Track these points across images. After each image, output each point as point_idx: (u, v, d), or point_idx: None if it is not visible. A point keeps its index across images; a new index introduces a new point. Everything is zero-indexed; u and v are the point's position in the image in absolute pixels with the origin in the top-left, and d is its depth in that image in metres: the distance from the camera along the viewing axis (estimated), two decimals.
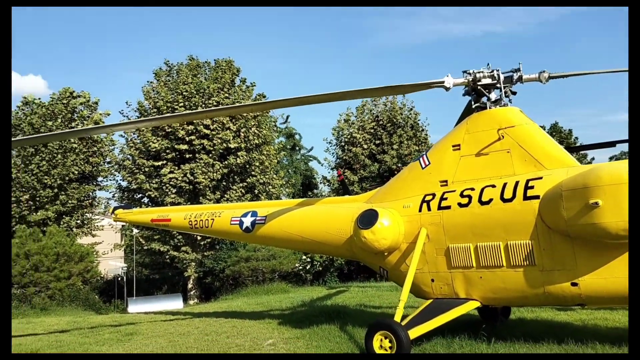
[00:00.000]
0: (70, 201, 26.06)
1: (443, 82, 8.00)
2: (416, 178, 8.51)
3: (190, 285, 25.35)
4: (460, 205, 7.65)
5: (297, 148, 44.38)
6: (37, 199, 25.45)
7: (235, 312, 13.67)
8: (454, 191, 7.86)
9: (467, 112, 8.92)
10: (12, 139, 17.37)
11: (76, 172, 26.36)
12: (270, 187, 26.49)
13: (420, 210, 8.08)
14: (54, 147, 25.84)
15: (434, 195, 8.06)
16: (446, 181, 8.08)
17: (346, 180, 26.64)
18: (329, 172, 33.11)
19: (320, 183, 35.86)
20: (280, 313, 12.82)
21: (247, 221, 10.67)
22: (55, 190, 25.67)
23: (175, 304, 19.48)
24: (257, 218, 10.56)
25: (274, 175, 27.26)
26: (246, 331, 10.15)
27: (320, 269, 26.50)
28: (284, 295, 18.12)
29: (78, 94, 28.62)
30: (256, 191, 25.86)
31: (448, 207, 7.77)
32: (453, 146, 8.25)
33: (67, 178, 25.98)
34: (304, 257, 25.79)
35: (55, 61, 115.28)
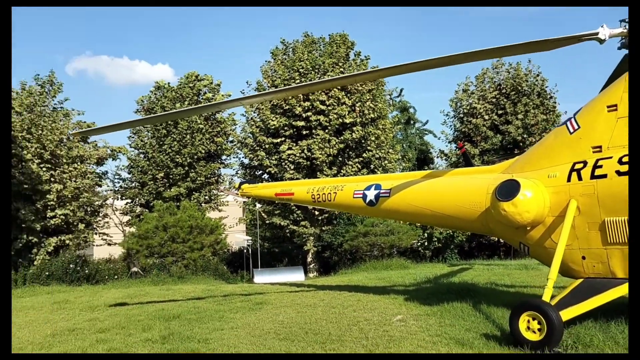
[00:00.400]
0: (199, 178, 27.86)
1: (597, 33, 7.00)
2: (563, 145, 7.62)
3: (309, 259, 25.98)
4: (619, 173, 6.70)
5: (411, 122, 43.24)
6: (171, 176, 27.55)
7: (358, 286, 13.62)
8: (610, 158, 6.90)
9: (624, 67, 7.76)
10: (141, 118, 18.61)
11: (203, 151, 28.05)
12: (386, 162, 26.06)
13: (568, 180, 7.23)
14: (183, 129, 27.69)
15: (585, 163, 7.16)
16: (600, 147, 7.12)
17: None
18: (446, 146, 31.83)
19: (437, 157, 34.65)
20: (405, 289, 12.51)
21: (371, 194, 10.42)
22: (186, 168, 27.57)
23: (297, 276, 20.04)
24: (381, 191, 10.27)
25: (390, 150, 26.75)
26: (372, 305, 9.99)
27: (440, 245, 25.73)
28: (404, 271, 17.78)
29: (202, 77, 30.31)
30: (372, 166, 25.60)
31: (603, 176, 6.86)
32: (608, 107, 7.25)
33: (195, 157, 27.76)
34: (423, 233, 25.17)
35: (179, 50, 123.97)
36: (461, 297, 9.66)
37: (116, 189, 28.62)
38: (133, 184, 28.90)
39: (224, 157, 30.26)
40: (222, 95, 30.01)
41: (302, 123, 24.58)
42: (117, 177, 29.10)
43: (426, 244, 25.48)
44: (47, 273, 19.42)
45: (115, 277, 20.21)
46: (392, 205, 10.01)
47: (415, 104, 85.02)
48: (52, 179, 23.63)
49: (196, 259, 18.51)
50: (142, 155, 28.55)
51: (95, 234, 25.90)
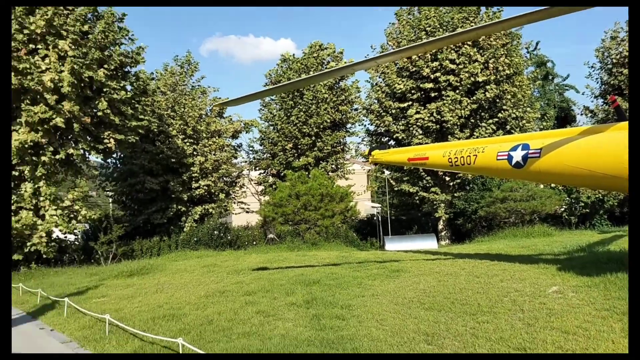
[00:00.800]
0: (325, 147, 28.23)
1: None
2: None
3: (440, 227, 25.17)
4: None
5: (550, 77, 39.41)
6: (299, 146, 28.25)
7: (500, 254, 12.76)
8: None
9: None
10: (273, 87, 18.63)
11: (329, 121, 28.26)
12: (524, 122, 24.02)
13: None
14: (308, 99, 28.09)
15: None
16: None
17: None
18: (591, 102, 28.59)
19: (580, 114, 31.22)
20: (554, 258, 11.42)
21: (517, 155, 9.51)
22: (313, 138, 28.06)
23: (429, 243, 19.50)
24: (530, 151, 9.31)
25: (528, 109, 24.58)
26: (520, 276, 9.22)
27: (587, 211, 23.36)
28: (549, 239, 16.37)
29: (325, 46, 30.35)
30: (508, 127, 23.78)
31: None
32: None
33: (321, 126, 28.09)
34: (568, 197, 23.03)
35: (300, 25, 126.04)
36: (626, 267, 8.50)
37: (250, 160, 30.08)
38: (265, 155, 30.19)
39: (348, 125, 30.27)
40: (345, 62, 29.81)
41: (430, 85, 23.50)
42: (250, 149, 30.62)
43: (573, 209, 23.27)
44: (195, 239, 21.11)
45: (254, 242, 21.37)
46: (543, 167, 9.04)
47: (553, 58, 77.49)
48: (194, 152, 25.52)
49: (328, 226, 18.82)
50: (271, 128, 29.61)
51: (234, 202, 27.63)
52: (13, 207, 17.09)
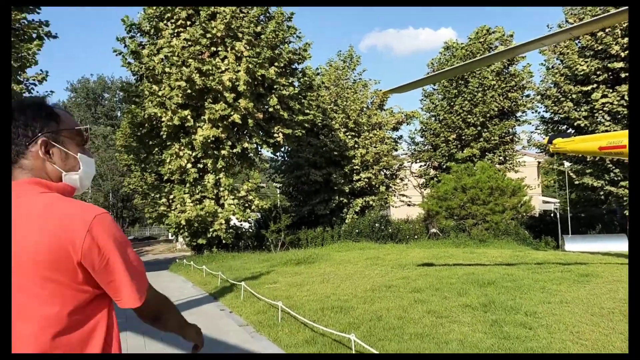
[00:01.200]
0: (492, 138, 26.43)
1: None
2: None
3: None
4: None
5: None
6: (463, 137, 26.88)
7: None
8: None
9: None
10: (440, 71, 17.79)
11: (496, 109, 26.38)
12: None
13: None
14: (474, 87, 26.53)
15: None
16: None
17: None
18: None
19: None
20: None
21: None
22: (478, 128, 26.46)
23: (619, 245, 16.96)
24: None
25: None
26: None
27: None
28: None
29: (493, 30, 28.36)
30: None
31: None
32: None
33: (488, 115, 26.35)
34: None
35: (461, 13, 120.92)
36: None
37: (411, 152, 29.51)
38: (426, 147, 29.37)
39: (519, 113, 27.93)
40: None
41: (620, 64, 20.43)
42: (411, 141, 30.03)
43: None
44: (356, 230, 21.34)
45: (415, 237, 20.86)
46: None
47: None
48: (355, 145, 25.84)
49: (498, 222, 17.48)
50: (433, 118, 28.66)
51: (394, 195, 27.39)
52: (198, 197, 19.03)
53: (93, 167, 1.60)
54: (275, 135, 19.76)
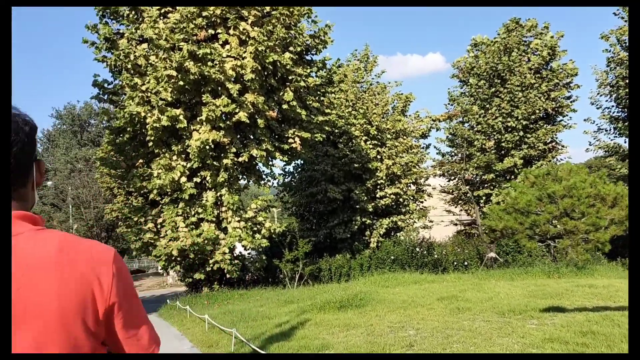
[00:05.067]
0: (538, 144, 22.63)
1: None
2: None
3: None
4: None
5: None
6: (502, 144, 23.06)
7: None
8: None
9: None
10: None
11: (541, 110, 22.67)
12: None
13: None
14: (513, 85, 22.85)
15: None
16: None
17: None
18: None
19: None
20: None
21: None
22: (520, 133, 22.70)
23: None
24: None
25: None
26: None
27: None
28: None
29: (524, 23, 24.83)
30: None
31: None
32: None
33: (532, 118, 22.62)
34: None
35: (448, 40, 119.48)
36: None
37: (439, 162, 25.47)
38: (453, 158, 25.50)
39: (561, 116, 24.16)
40: (552, 37, 23.90)
41: None
42: (436, 151, 26.12)
43: None
44: (391, 257, 17.20)
45: (465, 264, 16.72)
46: None
47: None
48: (378, 156, 21.91)
49: (605, 241, 13.39)
50: (465, 125, 24.84)
51: (423, 213, 23.29)
52: (194, 219, 14.85)
53: None
54: (291, 140, 15.75)
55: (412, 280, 12.81)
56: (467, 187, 24.64)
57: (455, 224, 26.24)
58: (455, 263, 16.67)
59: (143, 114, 13.81)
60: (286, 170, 22.51)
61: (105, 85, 15.32)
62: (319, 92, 16.42)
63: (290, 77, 15.02)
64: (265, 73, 14.67)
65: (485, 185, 23.85)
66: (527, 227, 13.63)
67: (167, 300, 15.70)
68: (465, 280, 12.54)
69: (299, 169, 23.27)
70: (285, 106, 14.93)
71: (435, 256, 16.62)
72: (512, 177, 23.20)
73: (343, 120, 20.55)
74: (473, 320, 7.64)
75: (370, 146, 21.48)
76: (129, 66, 14.41)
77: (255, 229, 15.67)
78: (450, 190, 25.39)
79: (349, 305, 9.72)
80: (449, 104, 25.74)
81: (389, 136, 22.15)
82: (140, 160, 15.68)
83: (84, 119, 67.80)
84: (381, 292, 11.26)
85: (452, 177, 25.37)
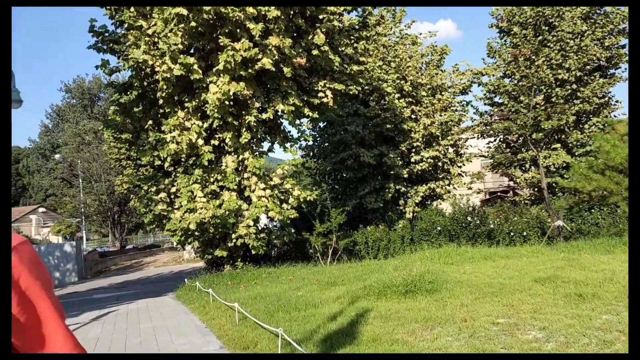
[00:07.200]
0: (592, 98, 20.11)
1: None
2: None
3: None
4: None
5: None
6: (552, 99, 20.56)
7: None
8: None
9: None
10: None
11: (595, 59, 20.06)
12: None
13: None
14: (564, 32, 20.21)
15: None
16: None
17: None
18: None
19: None
20: None
21: None
22: (573, 86, 20.17)
23: None
24: None
25: None
26: None
27: None
28: None
29: None
30: None
31: None
32: None
33: (586, 69, 20.03)
34: None
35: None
36: None
37: (479, 122, 22.96)
38: (492, 118, 23.01)
39: (616, 68, 21.51)
40: None
41: None
42: (474, 111, 23.63)
43: None
44: (437, 228, 15.05)
45: (524, 234, 14.49)
46: None
47: None
48: (413, 116, 19.57)
49: None
50: (506, 79, 22.27)
51: (462, 177, 20.98)
52: (214, 188, 12.77)
53: None
54: (321, 94, 13.47)
55: (480, 256, 10.64)
56: (509, 149, 22.31)
57: (478, 192, 23.72)
58: (512, 234, 14.48)
59: (151, 62, 11.59)
60: (312, 131, 20.28)
61: (105, 33, 13.06)
62: (352, 37, 14.04)
63: (321, 17, 12.64)
64: (292, 12, 12.32)
65: (533, 146, 21.43)
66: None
67: (185, 280, 13.82)
68: (549, 254, 10.35)
69: (322, 133, 21.05)
70: (315, 52, 12.59)
71: (491, 226, 14.42)
72: (563, 136, 20.78)
73: (375, 74, 18.14)
74: (616, 312, 5.49)
75: (404, 104, 19.13)
76: (131, 8, 12.14)
77: (282, 197, 13.58)
78: (491, 154, 22.96)
79: (417, 289, 7.62)
80: (488, 56, 23.13)
81: (423, 93, 19.74)
82: (150, 122, 13.53)
83: (94, 93, 65.93)
84: (448, 271, 9.15)
85: (494, 139, 22.93)
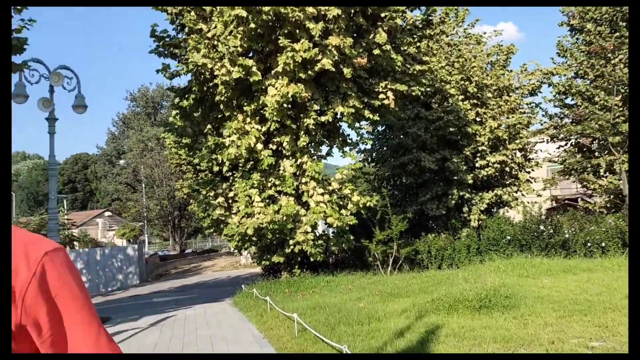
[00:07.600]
0: None
1: None
2: None
3: None
4: None
5: None
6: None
7: None
8: None
9: None
10: None
11: None
12: None
13: None
14: None
15: None
16: None
17: None
18: None
19: None
20: None
21: None
22: None
23: None
24: None
25: None
26: None
27: None
28: None
29: None
30: None
31: None
32: None
33: None
34: None
35: None
36: None
37: (549, 125, 21.58)
38: (563, 121, 21.56)
39: None
40: None
41: None
42: (542, 111, 22.20)
43: None
44: (506, 237, 14.08)
45: (602, 245, 13.29)
46: None
47: None
48: (477, 118, 18.61)
49: None
50: (579, 79, 20.83)
51: (530, 184, 19.73)
52: (271, 192, 12.50)
53: None
54: (382, 95, 12.93)
55: (558, 268, 9.72)
56: (581, 154, 20.83)
57: (552, 199, 22.28)
58: (589, 244, 13.30)
59: (210, 66, 11.49)
60: (370, 135, 19.73)
61: (166, 37, 13.14)
62: (415, 36, 13.43)
63: (382, 15, 12.12)
64: (352, 10, 11.88)
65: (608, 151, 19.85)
66: None
67: (242, 286, 13.61)
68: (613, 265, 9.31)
69: (380, 137, 20.44)
70: (376, 51, 12.08)
71: (566, 235, 13.30)
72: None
73: (438, 75, 17.38)
74: None
75: (469, 106, 18.22)
76: (192, 12, 12.13)
77: (341, 203, 13.11)
78: (562, 158, 21.48)
79: (492, 305, 6.91)
80: (558, 55, 21.74)
81: (489, 94, 18.75)
82: (209, 126, 13.48)
83: (157, 101, 68.44)
84: (524, 284, 8.35)
85: (565, 142, 21.47)
